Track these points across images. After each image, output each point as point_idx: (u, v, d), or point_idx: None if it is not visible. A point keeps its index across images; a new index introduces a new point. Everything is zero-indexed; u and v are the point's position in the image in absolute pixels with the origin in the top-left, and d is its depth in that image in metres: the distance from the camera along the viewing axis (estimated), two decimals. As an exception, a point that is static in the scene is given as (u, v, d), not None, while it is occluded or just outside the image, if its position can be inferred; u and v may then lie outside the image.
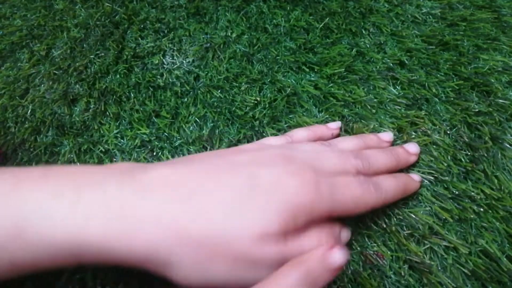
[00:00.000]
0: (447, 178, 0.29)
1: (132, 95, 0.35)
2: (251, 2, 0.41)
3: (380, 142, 0.30)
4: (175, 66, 0.37)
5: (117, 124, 0.33)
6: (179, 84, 0.35)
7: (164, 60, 0.37)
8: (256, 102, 0.34)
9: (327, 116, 0.33)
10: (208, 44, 0.38)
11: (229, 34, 0.39)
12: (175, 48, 0.38)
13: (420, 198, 0.29)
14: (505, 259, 0.26)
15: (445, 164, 0.30)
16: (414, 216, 0.28)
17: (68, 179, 0.21)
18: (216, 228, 0.20)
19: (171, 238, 0.20)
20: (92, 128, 0.33)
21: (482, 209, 0.28)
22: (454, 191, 0.29)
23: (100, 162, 0.31)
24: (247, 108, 0.34)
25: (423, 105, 0.34)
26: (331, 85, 0.35)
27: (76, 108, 0.34)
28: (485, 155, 0.31)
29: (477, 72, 0.35)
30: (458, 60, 0.36)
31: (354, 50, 0.37)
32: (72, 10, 0.41)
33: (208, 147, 0.32)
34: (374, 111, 0.33)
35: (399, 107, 0.34)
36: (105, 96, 0.35)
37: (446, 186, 0.29)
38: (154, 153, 0.32)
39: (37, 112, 0.34)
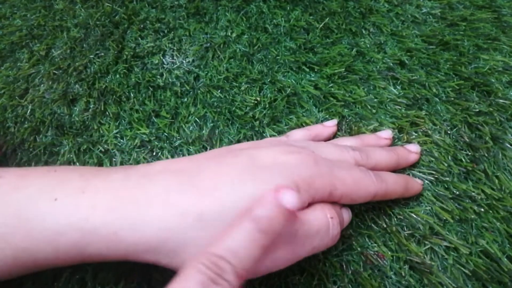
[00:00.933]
0: (447, 178, 0.29)
1: (132, 95, 0.35)
2: (251, 2, 0.41)
3: (378, 139, 0.30)
4: (175, 66, 0.36)
5: (117, 124, 0.33)
6: (179, 84, 0.35)
7: (164, 60, 0.37)
8: (256, 102, 0.34)
9: (327, 116, 0.33)
10: (208, 44, 0.38)
11: (229, 34, 0.38)
12: (175, 48, 0.38)
13: (420, 198, 0.29)
14: (505, 259, 0.26)
15: (446, 164, 0.30)
16: (414, 216, 0.28)
17: (74, 170, 0.22)
18: (226, 201, 0.20)
19: (183, 219, 0.19)
20: (92, 128, 0.33)
21: (482, 209, 0.28)
22: (455, 191, 0.29)
23: (100, 162, 0.31)
24: (247, 108, 0.33)
25: (423, 105, 0.34)
26: (331, 85, 0.35)
27: (75, 108, 0.34)
28: (486, 155, 0.31)
29: (478, 72, 0.35)
30: (459, 60, 0.36)
31: (354, 50, 0.37)
32: (72, 10, 0.41)
33: (208, 147, 0.32)
34: (374, 111, 0.33)
35: (400, 107, 0.33)
36: (104, 96, 0.35)
37: (446, 186, 0.29)
38: (154, 153, 0.31)
39: (36, 112, 0.34)
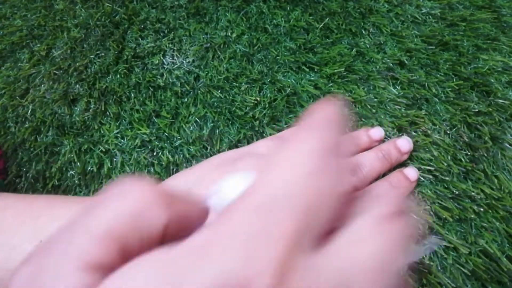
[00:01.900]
0: (447, 177, 0.30)
1: (132, 95, 0.35)
2: (251, 2, 0.41)
3: (372, 143, 0.31)
4: (175, 66, 0.37)
5: (117, 124, 0.33)
6: (179, 84, 0.35)
7: (164, 60, 0.37)
8: (256, 102, 0.34)
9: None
10: (208, 44, 0.38)
11: (229, 34, 0.39)
12: (175, 48, 0.38)
13: (420, 197, 0.29)
14: (505, 259, 0.26)
15: (445, 164, 0.30)
16: (414, 216, 0.28)
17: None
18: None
19: None
20: (92, 128, 0.33)
21: (482, 209, 0.28)
22: (454, 191, 0.29)
23: (101, 162, 0.31)
24: (247, 108, 0.34)
25: (423, 105, 0.34)
26: (331, 85, 0.35)
27: (76, 108, 0.34)
28: (485, 155, 0.31)
29: (477, 72, 0.35)
30: (458, 60, 0.36)
31: (354, 50, 0.37)
32: (72, 10, 0.41)
33: (208, 147, 0.32)
34: (374, 110, 0.33)
35: (399, 107, 0.34)
36: (105, 96, 0.35)
37: (446, 185, 0.29)
38: (154, 153, 0.32)
39: (37, 112, 0.34)
